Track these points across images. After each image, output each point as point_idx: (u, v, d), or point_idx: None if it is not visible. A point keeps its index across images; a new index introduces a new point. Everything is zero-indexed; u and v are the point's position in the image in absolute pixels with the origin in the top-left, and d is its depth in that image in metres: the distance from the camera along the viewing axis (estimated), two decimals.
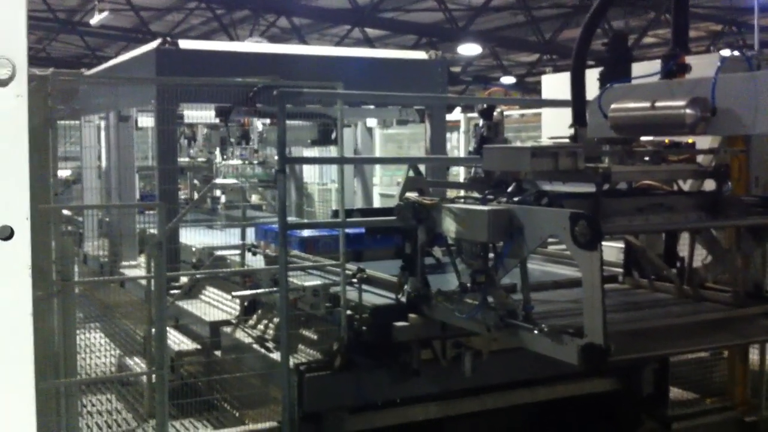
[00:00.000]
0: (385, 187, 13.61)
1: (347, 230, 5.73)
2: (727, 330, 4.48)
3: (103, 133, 10.06)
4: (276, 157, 9.01)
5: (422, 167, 8.41)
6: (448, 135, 11.25)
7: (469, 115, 12.32)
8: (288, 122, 8.79)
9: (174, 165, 7.67)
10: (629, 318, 4.55)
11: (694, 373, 6.59)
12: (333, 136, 9.07)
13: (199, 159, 11.55)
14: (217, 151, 11.01)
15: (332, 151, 9.77)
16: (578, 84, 4.96)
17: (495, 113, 7.53)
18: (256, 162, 10.10)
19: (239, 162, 10.23)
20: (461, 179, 10.49)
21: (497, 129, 7.49)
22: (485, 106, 7.52)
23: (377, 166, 12.69)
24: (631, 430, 5.82)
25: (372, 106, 9.67)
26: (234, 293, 6.09)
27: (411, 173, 5.50)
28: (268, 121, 9.43)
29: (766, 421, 6.20)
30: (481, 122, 7.51)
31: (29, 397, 1.37)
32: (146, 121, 10.10)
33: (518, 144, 8.57)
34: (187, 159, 11.77)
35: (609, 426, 5.83)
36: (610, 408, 5.86)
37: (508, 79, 24.19)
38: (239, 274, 6.44)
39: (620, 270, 5.49)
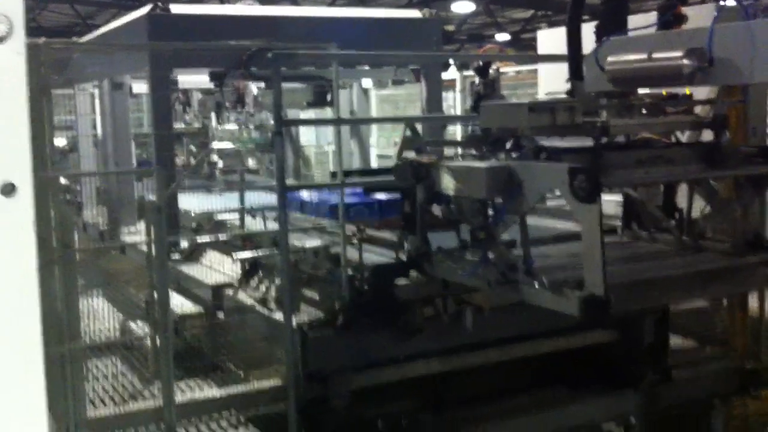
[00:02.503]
0: (383, 148, 13.57)
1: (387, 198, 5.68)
2: (726, 279, 4.52)
3: (97, 101, 10.02)
4: (272, 121, 8.99)
5: (419, 127, 8.41)
6: (444, 94, 11.19)
7: (465, 73, 12.25)
8: (283, 85, 8.76)
9: (169, 131, 7.64)
10: (629, 270, 4.58)
11: (694, 322, 6.64)
12: (329, 97, 9.03)
13: (195, 125, 11.52)
14: (213, 116, 10.97)
15: (328, 113, 9.73)
16: (574, 38, 4.93)
17: (491, 70, 7.51)
18: (252, 126, 10.09)
19: (235, 127, 10.22)
20: (459, 139, 10.48)
21: (494, 86, 7.48)
22: (481, 63, 7.50)
23: (374, 128, 12.65)
24: (633, 381, 5.87)
25: (367, 67, 9.61)
26: (236, 254, 6.10)
27: (408, 133, 5.49)
28: (263, 84, 9.38)
29: (765, 368, 6.27)
30: (477, 80, 7.50)
31: (37, 354, 1.39)
32: (141, 87, 10.06)
33: (515, 100, 8.54)
34: (182, 125, 11.73)
35: (610, 377, 5.89)
36: (612, 359, 5.92)
37: (503, 36, 24.02)
38: (240, 237, 6.46)
39: (619, 223, 5.52)
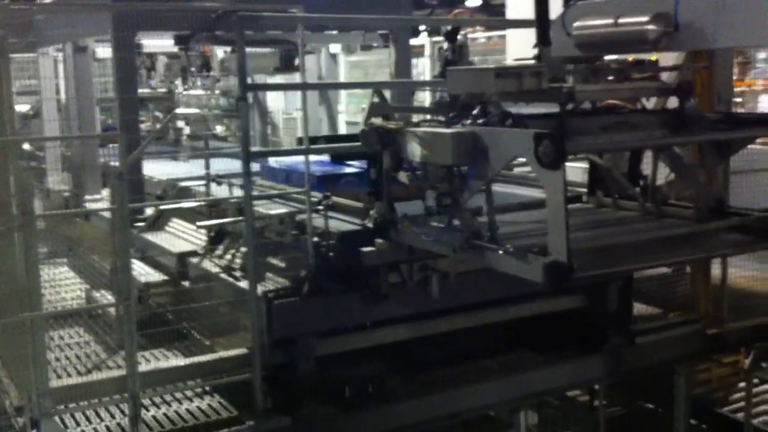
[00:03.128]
0: (352, 115, 13.49)
1: None
2: (689, 245, 4.55)
3: (60, 66, 9.83)
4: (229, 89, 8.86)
5: (387, 93, 8.34)
6: (413, 60, 11.12)
7: (435, 39, 12.17)
8: (250, 50, 8.63)
9: (134, 95, 7.51)
10: (593, 236, 4.60)
11: (657, 288, 6.72)
12: (296, 62, 8.92)
13: (160, 90, 11.33)
14: (178, 82, 10.80)
15: (297, 79, 9.62)
16: (542, 3, 4.90)
17: (459, 36, 7.44)
18: (218, 92, 9.96)
19: (201, 92, 10.07)
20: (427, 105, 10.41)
21: (462, 52, 7.41)
22: (450, 28, 7.42)
23: (343, 95, 12.55)
24: (597, 346, 5.94)
25: (335, 32, 9.50)
26: (199, 223, 6.05)
27: (375, 99, 5.43)
28: (229, 48, 9.25)
29: (727, 333, 6.36)
30: (445, 45, 7.42)
31: None
32: (104, 52, 9.87)
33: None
34: (147, 90, 11.54)
35: (575, 342, 5.95)
36: (577, 325, 5.97)
37: (474, 2, 23.88)
38: (205, 204, 6.39)
39: (584, 190, 5.53)
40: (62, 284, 6.66)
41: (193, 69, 9.73)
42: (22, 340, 4.58)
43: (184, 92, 10.08)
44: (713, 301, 6.36)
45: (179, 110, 8.93)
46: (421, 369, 5.60)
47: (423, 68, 12.99)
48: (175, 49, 9.26)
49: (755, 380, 6.77)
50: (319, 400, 5.14)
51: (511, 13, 10.15)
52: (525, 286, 4.38)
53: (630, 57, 5.02)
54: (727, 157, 5.04)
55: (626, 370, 6.09)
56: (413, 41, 10.85)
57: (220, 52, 9.50)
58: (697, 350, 6.43)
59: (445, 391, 5.47)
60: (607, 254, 4.28)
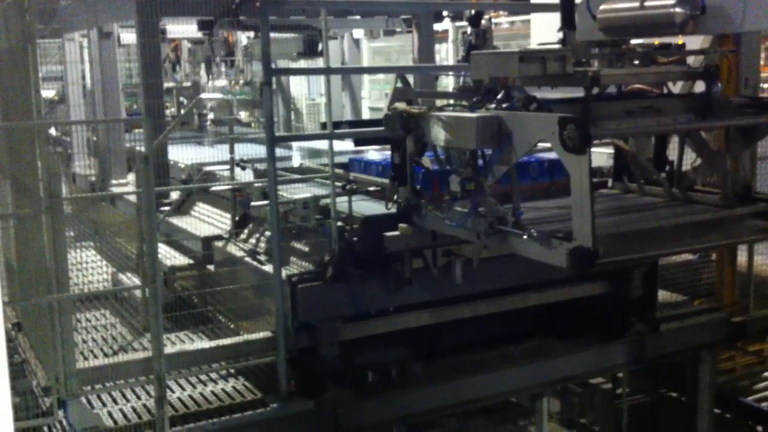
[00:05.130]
0: (374, 100, 13.50)
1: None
2: (715, 231, 4.51)
3: (86, 52, 9.90)
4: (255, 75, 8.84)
5: (410, 79, 8.32)
6: (436, 46, 11.09)
7: (458, 24, 12.12)
8: (273, 35, 8.63)
9: (158, 79, 7.55)
10: (618, 222, 4.57)
11: (682, 275, 6.67)
12: (319, 48, 8.92)
13: (185, 84, 11.37)
14: (202, 71, 10.83)
15: (319, 64, 9.61)
16: None
17: (483, 21, 7.39)
18: (242, 82, 9.96)
19: (225, 82, 10.08)
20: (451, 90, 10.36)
21: (485, 36, 7.37)
22: (473, 13, 7.38)
23: (366, 80, 12.56)
24: (621, 333, 5.91)
25: (358, 17, 9.48)
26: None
27: (399, 84, 5.41)
28: (252, 34, 9.25)
29: (753, 320, 6.31)
30: (469, 30, 7.38)
31: None
32: (129, 37, 9.92)
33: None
34: (173, 84, 11.60)
35: (599, 329, 5.92)
36: (600, 311, 5.94)
37: None
38: (230, 189, 6.41)
39: (609, 179, 5.50)
40: (88, 267, 6.72)
41: (217, 59, 9.75)
42: (50, 322, 4.63)
43: (209, 83, 10.09)
44: (738, 289, 6.30)
45: (203, 95, 8.97)
46: (444, 354, 5.61)
47: (446, 53, 12.95)
48: (199, 35, 9.29)
49: None
50: (342, 384, 5.17)
51: None
52: (549, 272, 4.37)
53: (656, 41, 4.98)
54: (753, 143, 4.98)
55: (650, 357, 6.06)
56: (436, 26, 10.81)
57: (243, 38, 9.53)
58: (721, 338, 6.38)
59: (467, 377, 5.47)
60: (632, 240, 4.25)
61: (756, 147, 5.13)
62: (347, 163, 6.45)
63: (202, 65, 11.05)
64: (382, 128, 5.07)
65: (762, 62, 8.04)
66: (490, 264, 5.20)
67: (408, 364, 5.46)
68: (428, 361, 5.52)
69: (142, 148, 5.32)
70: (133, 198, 6.70)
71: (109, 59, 9.24)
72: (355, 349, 5.25)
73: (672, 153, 5.08)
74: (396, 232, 5.03)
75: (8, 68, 5.44)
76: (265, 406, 4.91)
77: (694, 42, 5.20)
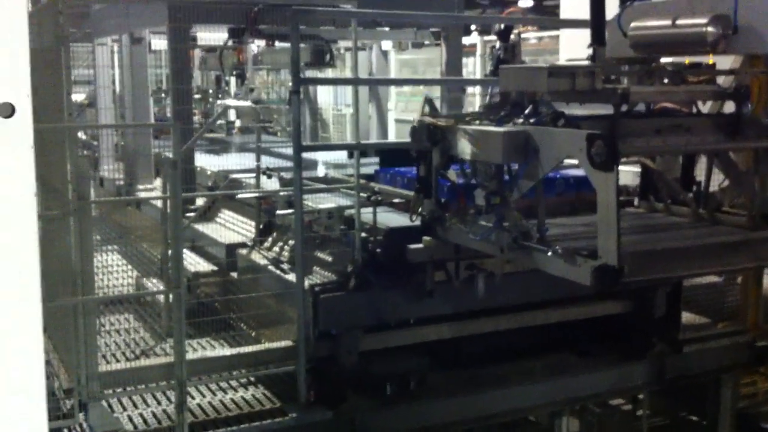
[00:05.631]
0: (401, 113, 13.52)
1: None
2: (741, 253, 4.47)
3: (116, 57, 10.00)
4: (285, 83, 8.83)
5: (437, 91, 8.33)
6: (464, 59, 11.10)
7: (486, 38, 12.13)
8: (279, 45, 8.67)
9: (188, 85, 7.60)
10: (644, 240, 4.54)
11: (706, 297, 6.60)
12: (327, 57, 8.89)
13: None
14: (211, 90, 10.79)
15: (329, 75, 9.60)
16: (598, 3, 4.84)
17: (512, 35, 7.39)
18: (250, 102, 9.91)
19: (235, 102, 10.05)
20: (477, 107, 10.37)
21: (514, 51, 7.37)
22: (503, 27, 7.38)
23: (393, 93, 12.58)
24: (643, 353, 5.86)
25: (387, 28, 9.51)
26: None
27: (426, 109, 5.39)
28: (262, 43, 9.25)
29: None
30: (498, 44, 7.38)
31: (35, 282, 1.37)
32: (160, 43, 10.01)
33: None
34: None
35: (621, 348, 5.88)
36: (623, 330, 5.90)
37: (526, 2, 23.71)
38: (255, 196, 6.44)
39: (635, 198, 5.46)
40: (113, 271, 6.78)
41: (227, 78, 9.72)
42: (73, 323, 4.67)
43: (218, 101, 10.05)
44: (763, 313, 6.23)
45: (230, 102, 9.00)
46: (463, 367, 5.59)
47: (473, 67, 12.96)
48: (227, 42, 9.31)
49: None
50: (360, 394, 5.17)
51: (564, 12, 10.07)
52: (572, 289, 4.35)
53: (686, 59, 4.95)
54: None
55: (671, 378, 6.01)
56: (464, 40, 10.83)
57: (253, 47, 9.50)
58: (744, 362, 6.31)
59: (485, 391, 5.45)
60: (657, 259, 4.22)
61: None
62: (372, 174, 6.47)
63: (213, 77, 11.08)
64: (408, 141, 5.09)
65: None
66: (513, 278, 5.18)
67: (427, 375, 5.45)
68: (447, 374, 5.50)
69: (170, 154, 5.36)
70: (159, 203, 6.73)
71: (139, 64, 9.33)
72: (374, 360, 5.25)
73: (699, 173, 5.04)
74: (419, 245, 5.03)
75: (40, 70, 5.51)
76: (284, 414, 4.92)
77: (725, 62, 5.17)
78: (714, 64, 4.92)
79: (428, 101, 5.20)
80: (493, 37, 11.26)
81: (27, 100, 1.33)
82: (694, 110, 4.91)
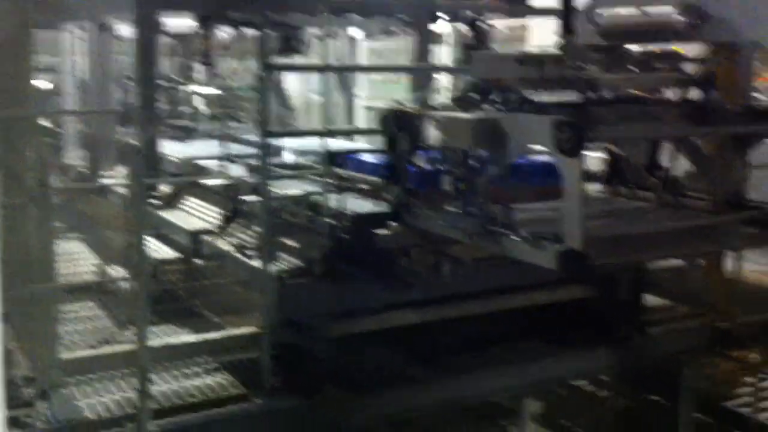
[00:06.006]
0: (371, 100, 13.46)
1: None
2: (705, 237, 4.52)
3: (82, 44, 9.86)
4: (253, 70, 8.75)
5: (407, 79, 8.30)
6: (434, 48, 11.07)
7: (456, 26, 12.11)
8: (249, 32, 8.59)
9: (152, 71, 7.50)
10: (609, 225, 4.57)
11: (670, 280, 6.67)
12: (295, 45, 8.80)
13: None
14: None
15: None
16: None
17: (481, 23, 7.39)
18: (217, 90, 9.82)
19: (202, 89, 9.95)
20: (447, 98, 10.34)
21: (483, 39, 7.37)
22: (472, 15, 7.38)
23: (363, 80, 12.51)
24: (606, 336, 5.90)
25: (356, 15, 9.45)
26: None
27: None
28: (231, 30, 9.14)
29: (738, 326, 6.31)
30: (468, 32, 7.37)
31: None
32: (126, 30, 9.87)
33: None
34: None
35: (585, 332, 5.91)
36: (587, 314, 5.93)
37: None
38: (221, 183, 6.38)
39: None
40: (76, 259, 6.69)
41: (192, 65, 9.61)
42: (35, 312, 4.59)
43: (185, 88, 9.91)
44: (725, 295, 6.30)
45: (196, 89, 8.91)
46: (429, 354, 5.58)
47: (443, 55, 12.92)
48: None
49: (763, 376, 6.73)
50: (327, 382, 5.14)
51: (534, 2, 10.06)
52: (539, 274, 4.36)
53: (653, 47, 4.98)
54: (745, 150, 4.98)
55: (634, 361, 6.06)
56: (433, 28, 10.79)
57: (221, 34, 9.39)
58: (706, 344, 6.37)
59: (452, 377, 5.44)
60: (622, 244, 4.25)
61: (748, 155, 5.13)
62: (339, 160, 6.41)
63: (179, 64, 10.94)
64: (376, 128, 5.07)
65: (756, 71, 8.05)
66: (481, 264, 5.18)
67: (394, 362, 5.44)
68: (413, 361, 5.49)
69: (134, 141, 5.29)
70: (123, 190, 6.65)
71: (105, 52, 9.20)
72: (340, 347, 5.23)
73: (664, 159, 5.08)
74: (387, 231, 5.02)
75: (2, 57, 5.40)
76: (249, 401, 4.87)
77: (691, 50, 5.21)
78: (680, 51, 4.96)
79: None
80: (463, 25, 11.27)
81: None
82: (661, 97, 4.94)
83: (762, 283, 6.80)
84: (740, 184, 4.89)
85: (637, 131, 4.56)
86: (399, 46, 11.41)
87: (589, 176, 5.04)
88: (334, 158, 5.85)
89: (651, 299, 6.33)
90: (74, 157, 9.14)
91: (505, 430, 6.76)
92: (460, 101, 4.81)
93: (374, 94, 12.46)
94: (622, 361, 5.99)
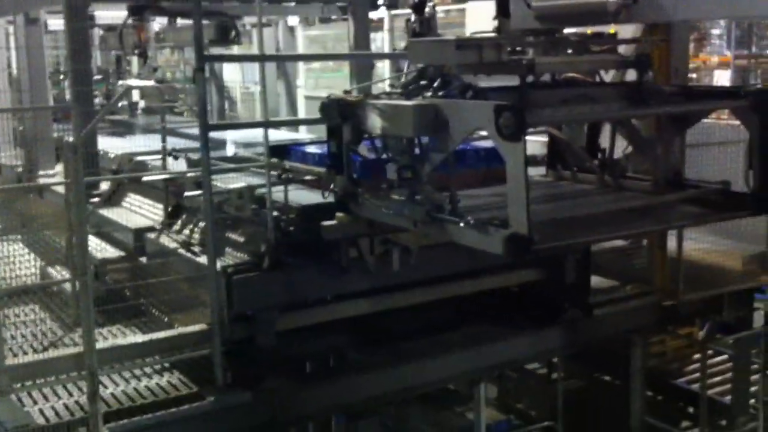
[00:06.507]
0: (310, 89, 13.38)
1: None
2: (647, 217, 4.60)
3: (12, 38, 9.60)
4: (189, 61, 8.63)
5: (347, 66, 8.25)
6: (372, 35, 11.04)
7: (393, 12, 12.10)
8: (181, 22, 8.47)
9: (87, 66, 7.34)
10: (553, 209, 4.62)
11: (614, 261, 6.79)
12: (232, 35, 8.69)
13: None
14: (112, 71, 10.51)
15: (235, 52, 9.41)
16: None
17: (426, 8, 7.34)
18: (154, 82, 9.67)
19: (138, 82, 9.79)
20: (386, 81, 10.33)
21: (429, 24, 7.32)
22: (416, 0, 7.33)
23: (301, 69, 12.42)
24: (555, 318, 5.99)
25: (292, 3, 9.38)
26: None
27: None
28: (164, 21, 9.00)
29: (683, 304, 6.46)
30: (412, 17, 7.33)
31: None
32: (56, 23, 9.65)
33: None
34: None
35: (533, 315, 6.00)
36: (535, 298, 6.02)
37: None
38: (163, 179, 6.28)
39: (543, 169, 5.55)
40: (16, 261, 6.52)
41: (128, 59, 9.45)
42: None
43: (120, 83, 9.75)
44: (669, 274, 6.44)
45: (133, 82, 8.74)
46: (382, 342, 5.61)
47: (382, 42, 12.91)
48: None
49: (709, 352, 6.91)
50: (279, 375, 5.13)
51: None
52: (486, 259, 4.39)
53: (589, 30, 5.04)
54: (683, 130, 5.09)
55: (583, 342, 6.17)
56: (372, 14, 10.76)
57: (155, 25, 9.23)
58: (652, 322, 6.52)
59: (405, 364, 5.48)
60: (566, 227, 4.31)
61: (686, 135, 5.24)
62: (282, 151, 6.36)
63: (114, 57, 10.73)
64: (318, 117, 5.03)
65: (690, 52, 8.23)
66: (429, 252, 5.21)
67: (346, 352, 5.45)
68: (366, 350, 5.51)
69: (71, 138, 5.17)
70: (61, 189, 6.50)
71: (35, 45, 8.97)
72: (292, 339, 5.21)
73: (604, 141, 5.16)
74: (333, 221, 5.00)
75: None
76: (202, 399, 4.83)
77: (626, 31, 5.28)
78: (615, 34, 5.03)
79: None
80: (403, 11, 11.24)
81: None
82: (598, 79, 5.01)
83: (704, 261, 6.96)
84: (679, 164, 4.99)
85: (577, 114, 4.61)
86: (337, 34, 11.36)
87: (531, 160, 5.09)
88: (278, 150, 5.81)
89: (597, 280, 6.45)
90: (9, 156, 8.90)
91: (461, 415, 6.84)
92: (402, 88, 4.81)
93: (314, 83, 12.40)
94: (571, 342, 6.10)
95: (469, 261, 5.22)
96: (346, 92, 5.02)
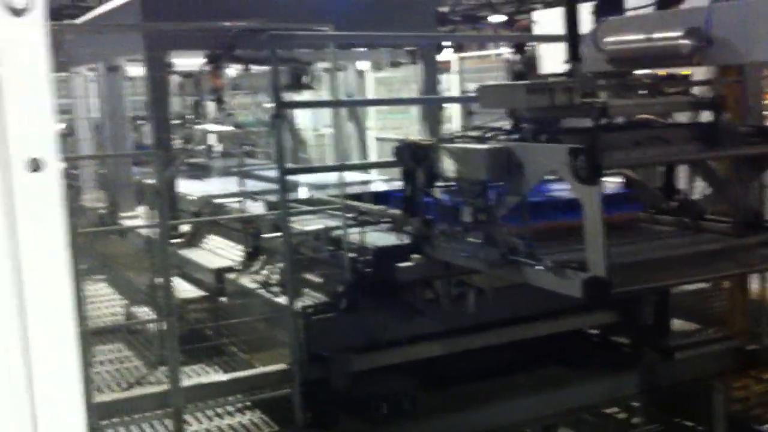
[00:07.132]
0: (380, 131, 13.55)
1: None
2: (726, 260, 4.54)
3: (93, 85, 9.98)
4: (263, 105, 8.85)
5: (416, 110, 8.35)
6: (441, 77, 11.16)
7: (461, 55, 12.24)
8: (255, 69, 8.68)
9: (166, 113, 7.61)
10: (630, 251, 4.60)
11: (694, 304, 6.67)
12: (304, 80, 8.90)
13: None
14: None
15: (306, 97, 9.59)
16: (572, 18, 4.93)
17: (528, 48, 7.31)
18: (230, 126, 9.91)
19: (216, 127, 10.05)
20: (457, 124, 10.44)
21: (532, 63, 7.31)
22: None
23: (372, 111, 12.62)
24: (634, 362, 5.91)
25: (363, 48, 9.56)
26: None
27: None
28: (240, 67, 9.24)
29: (766, 348, 6.31)
30: (514, 57, 7.31)
31: (71, 334, 1.39)
32: (137, 71, 10.00)
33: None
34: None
35: (611, 358, 5.93)
36: (613, 340, 5.95)
37: (498, 18, 23.88)
38: (241, 221, 6.46)
39: None
40: (101, 300, 6.76)
41: (204, 103, 9.73)
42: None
43: (198, 126, 10.02)
44: (751, 317, 6.31)
45: (210, 126, 9.01)
46: (456, 384, 5.61)
47: (449, 84, 13.04)
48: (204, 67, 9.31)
49: None
50: (354, 416, 5.18)
51: (538, 28, 10.17)
52: (561, 301, 4.40)
53: (661, 71, 5.05)
54: (761, 171, 5.03)
55: (663, 386, 6.05)
56: (439, 56, 10.90)
57: (232, 71, 9.49)
58: (735, 366, 6.36)
59: (478, 407, 5.47)
60: (645, 269, 4.29)
61: (764, 175, 5.18)
62: (358, 194, 6.50)
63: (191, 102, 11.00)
64: (393, 160, 5.14)
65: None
66: (503, 293, 5.23)
67: (420, 394, 5.47)
68: (440, 392, 5.52)
69: (150, 181, 5.37)
70: (144, 230, 6.73)
71: (116, 93, 9.32)
72: (367, 380, 5.26)
73: (681, 182, 5.13)
74: (408, 263, 5.07)
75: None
76: None
77: (700, 72, 5.27)
78: (689, 75, 5.02)
79: None
80: (466, 54, 11.38)
81: (54, 154, 1.35)
82: (672, 121, 5.00)
83: None
84: (758, 205, 4.92)
85: (651, 156, 4.60)
86: (405, 75, 11.52)
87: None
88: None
89: (677, 323, 6.35)
90: (92, 198, 9.23)
91: None
92: (474, 131, 4.88)
93: (383, 125, 12.57)
94: (651, 386, 5.99)
95: (546, 301, 5.21)
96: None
